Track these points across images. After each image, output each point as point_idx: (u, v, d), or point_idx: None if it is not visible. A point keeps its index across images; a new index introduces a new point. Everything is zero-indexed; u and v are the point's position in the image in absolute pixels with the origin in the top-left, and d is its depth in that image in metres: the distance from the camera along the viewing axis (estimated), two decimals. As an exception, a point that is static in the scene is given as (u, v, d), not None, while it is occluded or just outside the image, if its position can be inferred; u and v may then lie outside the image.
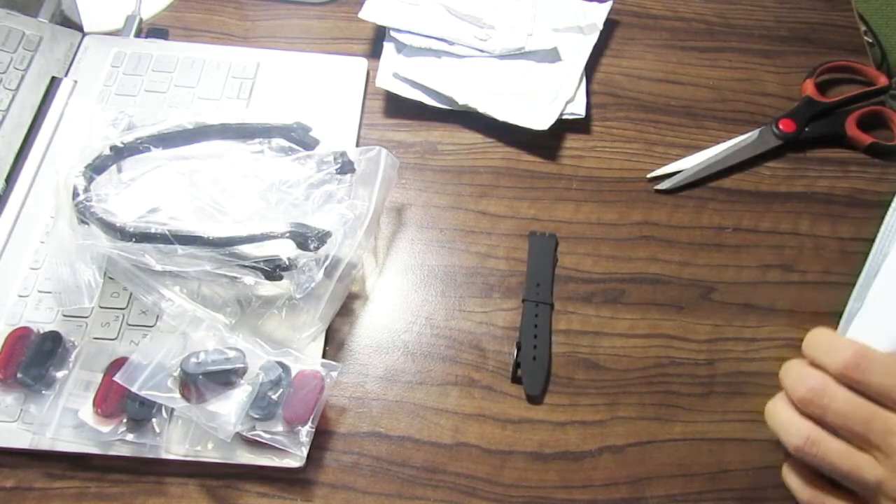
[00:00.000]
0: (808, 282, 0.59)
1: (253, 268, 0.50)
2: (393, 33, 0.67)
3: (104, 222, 0.49)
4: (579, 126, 0.65)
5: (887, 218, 0.56)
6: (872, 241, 0.56)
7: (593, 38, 0.68)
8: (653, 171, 0.63)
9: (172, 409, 0.48)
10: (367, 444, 0.51)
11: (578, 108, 0.65)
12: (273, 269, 0.49)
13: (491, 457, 0.51)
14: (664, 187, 0.62)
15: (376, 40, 0.69)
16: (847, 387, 0.42)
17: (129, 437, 0.47)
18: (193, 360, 0.47)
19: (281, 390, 0.48)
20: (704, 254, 0.60)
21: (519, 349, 0.54)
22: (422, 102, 0.64)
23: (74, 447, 0.48)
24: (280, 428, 0.47)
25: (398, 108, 0.65)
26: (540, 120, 0.63)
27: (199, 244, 0.49)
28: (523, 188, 0.62)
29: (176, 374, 0.47)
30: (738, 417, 0.53)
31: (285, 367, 0.49)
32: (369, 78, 0.67)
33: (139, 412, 0.47)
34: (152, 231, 0.49)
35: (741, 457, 0.52)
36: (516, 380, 0.53)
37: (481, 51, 0.67)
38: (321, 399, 0.48)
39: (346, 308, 0.55)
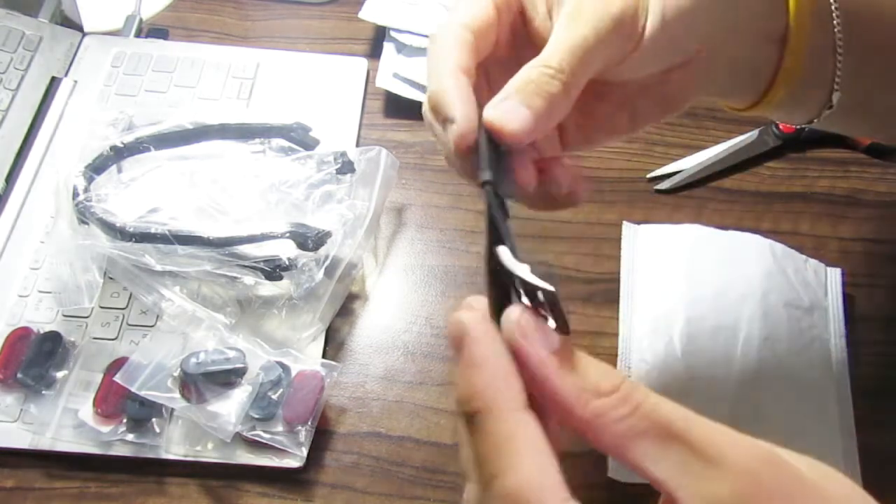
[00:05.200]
0: (808, 282, 0.59)
1: (253, 268, 0.50)
2: (393, 33, 0.67)
3: (104, 222, 0.49)
4: (579, 126, 0.65)
5: None
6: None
7: (593, 38, 0.68)
8: (653, 171, 0.63)
9: (172, 409, 0.48)
10: (367, 444, 0.51)
11: (578, 108, 0.65)
12: (273, 269, 0.49)
13: (491, 457, 0.50)
14: (664, 187, 0.62)
15: (376, 40, 0.69)
16: None
17: (129, 437, 0.47)
18: (193, 360, 0.47)
19: (281, 390, 0.48)
20: (704, 254, 0.60)
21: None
22: (422, 102, 0.64)
23: (74, 447, 0.48)
24: (280, 428, 0.47)
25: (398, 108, 0.65)
26: (540, 120, 0.62)
27: (199, 244, 0.49)
28: (523, 188, 0.62)
29: (176, 374, 0.47)
30: (738, 417, 0.53)
31: (285, 367, 0.49)
32: (369, 78, 0.67)
33: (139, 412, 0.47)
34: (152, 231, 0.49)
35: (741, 457, 0.51)
36: (516, 380, 0.53)
37: (481, 51, 0.66)
38: (321, 399, 0.48)
39: (346, 308, 0.55)
